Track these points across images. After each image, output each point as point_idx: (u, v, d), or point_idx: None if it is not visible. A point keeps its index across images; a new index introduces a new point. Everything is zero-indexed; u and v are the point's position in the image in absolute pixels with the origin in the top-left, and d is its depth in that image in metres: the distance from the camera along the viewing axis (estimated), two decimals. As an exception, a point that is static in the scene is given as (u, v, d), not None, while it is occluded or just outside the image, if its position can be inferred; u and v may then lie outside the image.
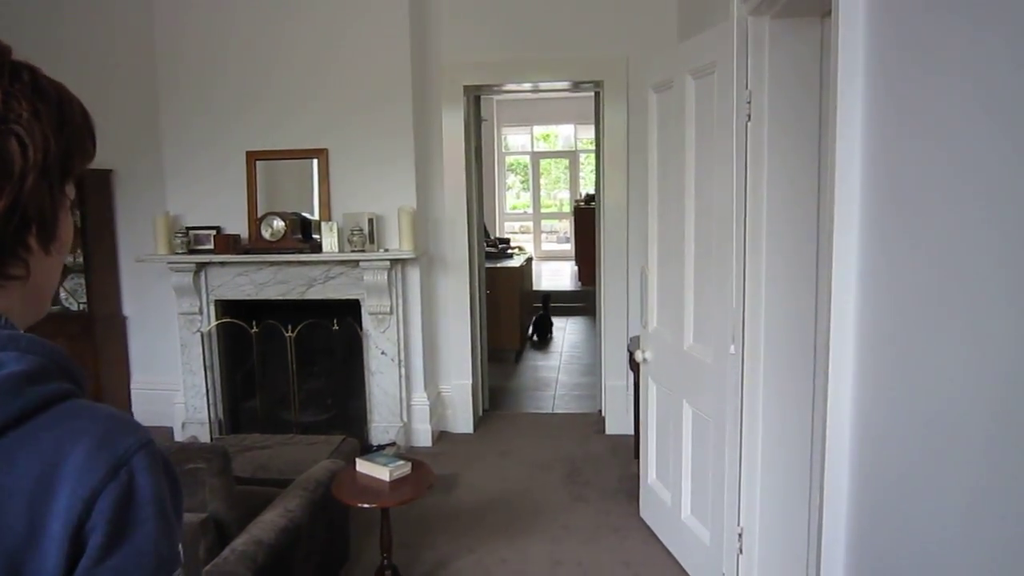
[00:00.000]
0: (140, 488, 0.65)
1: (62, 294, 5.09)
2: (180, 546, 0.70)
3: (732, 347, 2.68)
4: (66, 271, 5.02)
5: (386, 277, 4.50)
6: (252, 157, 4.60)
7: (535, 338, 7.81)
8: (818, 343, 2.57)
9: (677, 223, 3.12)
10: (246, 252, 4.57)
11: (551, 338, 7.99)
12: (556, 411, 5.63)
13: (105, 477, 0.63)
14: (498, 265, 7.37)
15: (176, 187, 4.72)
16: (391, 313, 4.60)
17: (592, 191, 8.83)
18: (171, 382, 4.99)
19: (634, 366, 4.04)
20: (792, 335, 2.63)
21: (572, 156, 13.92)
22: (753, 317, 2.64)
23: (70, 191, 0.74)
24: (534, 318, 7.89)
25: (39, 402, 0.64)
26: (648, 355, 3.46)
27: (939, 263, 1.41)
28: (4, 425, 0.62)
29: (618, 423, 4.89)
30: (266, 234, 4.50)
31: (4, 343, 0.65)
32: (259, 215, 4.56)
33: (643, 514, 3.66)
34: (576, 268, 11.12)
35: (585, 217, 9.60)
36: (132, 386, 5.34)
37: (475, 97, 5.12)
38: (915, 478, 1.51)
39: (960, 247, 1.35)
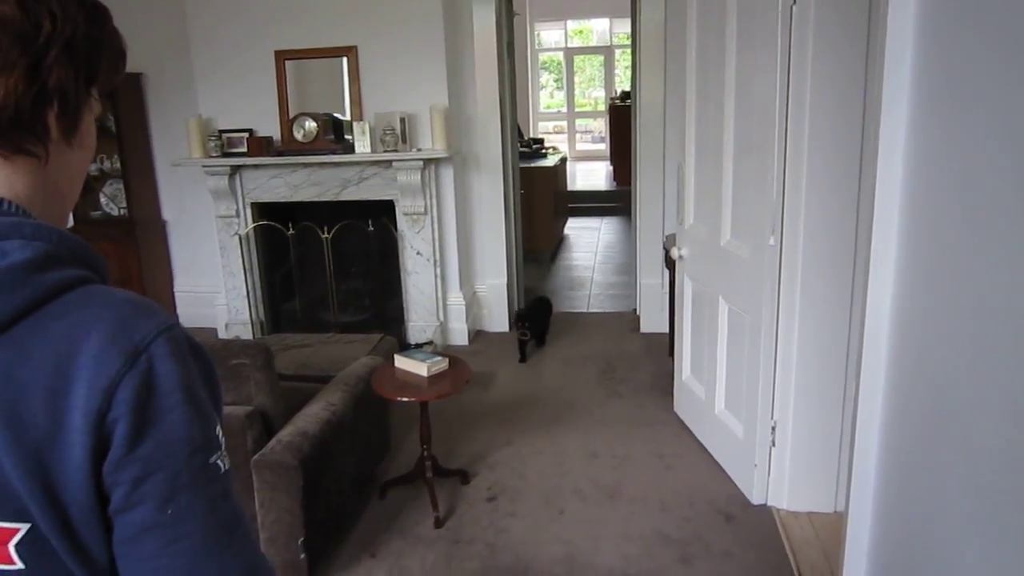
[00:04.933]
0: (161, 376, 0.63)
1: (102, 199, 5.17)
2: (219, 429, 0.69)
3: (771, 239, 2.64)
4: (104, 176, 5.09)
5: (419, 177, 4.47)
6: (281, 56, 4.53)
7: (527, 336, 4.57)
8: (859, 235, 2.52)
9: (716, 116, 3.02)
10: (279, 154, 4.56)
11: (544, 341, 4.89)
12: (591, 310, 5.66)
13: (122, 367, 0.61)
14: (532, 165, 7.28)
15: (207, 89, 4.69)
16: (425, 213, 4.60)
17: (628, 88, 8.59)
18: (212, 284, 5.09)
19: (670, 264, 4.02)
20: (832, 227, 2.58)
21: (607, 52, 13.50)
22: (793, 209, 2.59)
23: (96, 96, 0.73)
24: (520, 310, 4.80)
25: (47, 291, 0.61)
26: (684, 252, 3.43)
27: (992, 150, 1.36)
28: (12, 317, 0.60)
29: (653, 321, 4.91)
30: (298, 135, 4.48)
31: (8, 230, 0.62)
32: (290, 117, 4.53)
33: (677, 409, 3.71)
34: (611, 168, 10.96)
35: (620, 115, 9.39)
36: (175, 289, 5.47)
37: (506, -12, 4.94)
38: (954, 371, 1.50)
39: (1016, 135, 1.29)
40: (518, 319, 4.63)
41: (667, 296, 4.46)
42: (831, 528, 2.74)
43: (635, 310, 5.26)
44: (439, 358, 2.97)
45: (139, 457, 0.61)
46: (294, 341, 3.77)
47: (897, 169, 1.73)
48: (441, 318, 4.81)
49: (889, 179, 1.75)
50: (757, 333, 2.81)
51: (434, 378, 2.89)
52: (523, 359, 4.55)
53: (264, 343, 2.57)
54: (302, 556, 2.42)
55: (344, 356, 3.38)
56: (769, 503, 2.94)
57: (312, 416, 2.56)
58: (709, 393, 3.30)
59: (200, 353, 0.69)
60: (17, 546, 0.59)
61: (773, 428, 2.86)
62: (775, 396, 2.82)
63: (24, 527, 0.59)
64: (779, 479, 2.90)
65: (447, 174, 4.63)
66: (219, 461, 0.67)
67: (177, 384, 0.64)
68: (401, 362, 2.98)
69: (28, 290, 0.60)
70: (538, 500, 3.04)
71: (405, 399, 2.83)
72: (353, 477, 2.86)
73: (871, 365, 1.88)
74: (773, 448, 2.88)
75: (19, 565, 0.60)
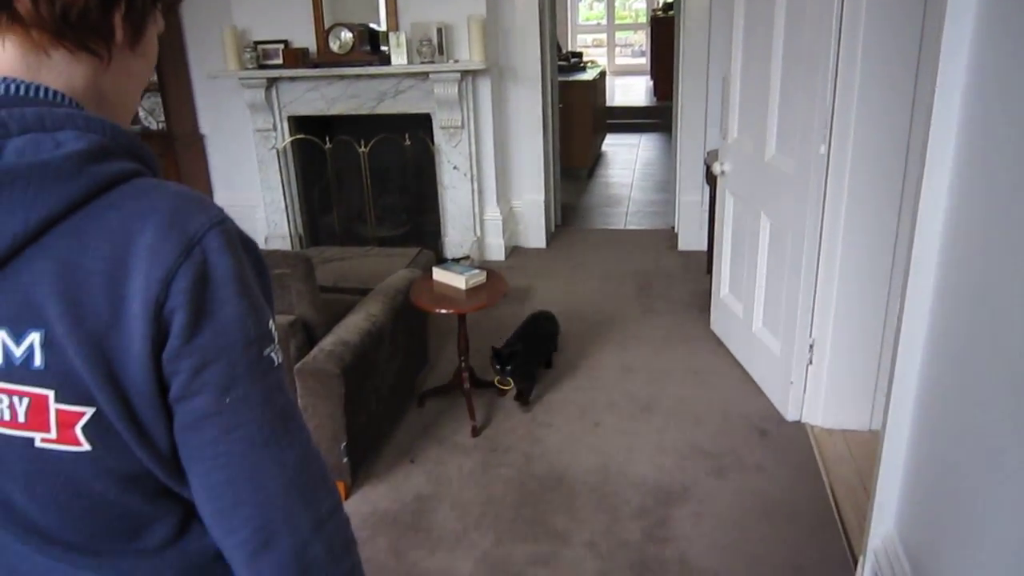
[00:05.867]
0: (216, 267, 0.63)
1: (141, 113, 5.18)
2: (272, 323, 0.70)
3: (821, 147, 2.56)
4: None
5: (457, 90, 4.40)
6: (315, -38, 4.43)
7: (508, 387, 3.15)
8: (912, 145, 2.44)
9: (765, 26, 2.90)
10: (315, 67, 4.51)
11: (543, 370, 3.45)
12: (628, 227, 5.62)
13: (178, 257, 0.61)
14: (570, 79, 7.12)
15: (241, -1, 4.62)
16: (462, 127, 4.55)
17: (671, -2, 8.28)
18: (251, 198, 5.12)
19: (711, 180, 3.95)
20: (884, 137, 2.49)
21: (650, -41, 12.96)
22: (843, 118, 2.50)
23: (160, 11, 0.74)
24: (498, 348, 3.05)
25: (102, 182, 0.62)
26: (726, 167, 3.36)
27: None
28: (69, 206, 0.60)
29: (691, 239, 4.86)
30: (334, 47, 4.41)
31: (62, 122, 0.63)
32: (326, 27, 4.45)
33: (713, 327, 3.71)
34: (651, 83, 10.68)
35: (663, 27, 9.08)
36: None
37: None
38: (1004, 290, 1.46)
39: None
40: (495, 357, 3.00)
41: (706, 213, 4.39)
42: (865, 446, 2.76)
43: (673, 227, 5.20)
44: (477, 271, 2.98)
45: (197, 347, 0.63)
46: (333, 254, 3.81)
47: (959, 78, 1.66)
48: (478, 233, 4.81)
49: (949, 88, 1.68)
50: (799, 249, 2.76)
51: (472, 291, 2.91)
52: (524, 401, 3.12)
53: (304, 253, 2.60)
54: (344, 460, 2.51)
55: (383, 269, 3.41)
56: (803, 420, 2.95)
57: (353, 326, 2.60)
58: (747, 310, 3.28)
59: (252, 247, 0.70)
60: (84, 429, 0.62)
61: (811, 346, 2.84)
62: (814, 314, 2.80)
63: (89, 411, 0.61)
64: (814, 396, 2.90)
65: (484, 87, 4.55)
66: (273, 354, 0.68)
67: (231, 276, 0.64)
68: (439, 275, 3.00)
69: (84, 180, 0.61)
70: (573, 412, 3.09)
71: (443, 311, 2.85)
72: (393, 386, 2.92)
73: (918, 282, 1.84)
74: (810, 366, 2.87)
75: (86, 447, 0.62)
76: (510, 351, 3.02)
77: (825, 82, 2.50)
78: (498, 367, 3.00)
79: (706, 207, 4.47)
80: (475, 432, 2.95)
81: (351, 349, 2.47)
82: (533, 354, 3.21)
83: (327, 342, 2.48)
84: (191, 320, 0.62)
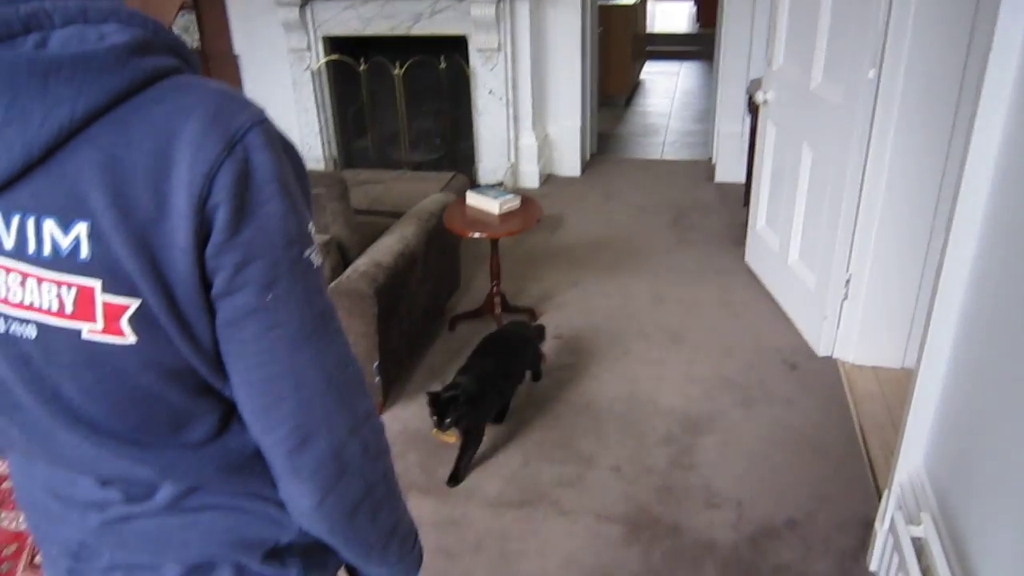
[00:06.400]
0: (257, 165, 0.63)
1: (175, 31, 5.14)
2: (311, 226, 0.70)
3: (871, 72, 2.47)
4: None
5: (494, 11, 4.30)
6: None
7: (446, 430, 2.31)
8: (967, 71, 2.34)
9: (818, -56, 2.78)
10: (351, -16, 4.43)
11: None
12: (665, 157, 5.52)
13: (221, 153, 0.61)
14: (610, 3, 6.90)
15: (276, -88, 4.51)
16: (499, 50, 4.45)
17: (719, -82, 7.94)
18: (285, 121, 5.08)
19: (752, 109, 3.85)
20: (938, 62, 2.39)
21: None
22: (896, 42, 2.40)
23: None
24: (435, 396, 2.27)
25: (146, 76, 0.61)
26: (770, 96, 3.27)
27: None
28: (113, 98, 0.60)
29: (729, 171, 4.77)
30: (370, -37, 4.32)
31: (105, 14, 0.62)
32: (362, -58, 4.35)
33: (748, 259, 3.67)
34: (694, 8, 10.34)
35: (708, -51, 8.74)
36: (250, 123, 5.50)
37: None
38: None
39: None
40: (430, 404, 2.27)
41: (746, 144, 4.30)
42: (896, 383, 2.74)
43: (711, 159, 5.11)
44: (511, 196, 2.96)
45: (239, 243, 0.63)
46: (367, 177, 3.80)
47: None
48: (512, 159, 4.76)
49: (1013, 10, 1.59)
50: (841, 181, 2.70)
51: (505, 216, 2.90)
52: (453, 478, 2.36)
53: (339, 174, 2.60)
54: (377, 379, 2.55)
55: (416, 193, 3.40)
56: (835, 355, 2.94)
57: (386, 248, 2.61)
58: (783, 244, 3.23)
59: (292, 149, 0.69)
60: (130, 320, 0.63)
61: (848, 281, 2.80)
62: (853, 248, 2.75)
63: (135, 303, 0.62)
64: (848, 332, 2.87)
65: (522, 9, 4.43)
66: (312, 256, 0.69)
67: (272, 175, 0.64)
68: (473, 199, 2.98)
69: (128, 73, 0.61)
70: (603, 340, 3.10)
71: (476, 235, 2.85)
72: (425, 308, 2.95)
73: (965, 217, 1.79)
74: (845, 301, 2.84)
75: (132, 339, 0.64)
76: (449, 396, 2.26)
77: (879, 2, 2.39)
78: (435, 417, 2.26)
79: (746, 138, 4.37)
80: (505, 356, 2.96)
81: (384, 270, 2.49)
82: (490, 393, 2.42)
83: (361, 263, 2.50)
84: (234, 216, 0.62)
